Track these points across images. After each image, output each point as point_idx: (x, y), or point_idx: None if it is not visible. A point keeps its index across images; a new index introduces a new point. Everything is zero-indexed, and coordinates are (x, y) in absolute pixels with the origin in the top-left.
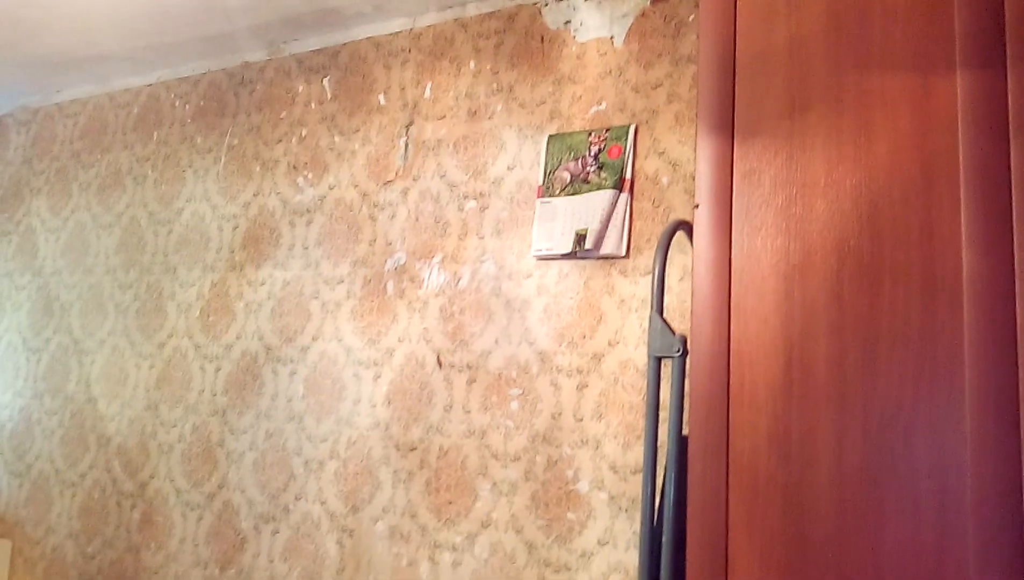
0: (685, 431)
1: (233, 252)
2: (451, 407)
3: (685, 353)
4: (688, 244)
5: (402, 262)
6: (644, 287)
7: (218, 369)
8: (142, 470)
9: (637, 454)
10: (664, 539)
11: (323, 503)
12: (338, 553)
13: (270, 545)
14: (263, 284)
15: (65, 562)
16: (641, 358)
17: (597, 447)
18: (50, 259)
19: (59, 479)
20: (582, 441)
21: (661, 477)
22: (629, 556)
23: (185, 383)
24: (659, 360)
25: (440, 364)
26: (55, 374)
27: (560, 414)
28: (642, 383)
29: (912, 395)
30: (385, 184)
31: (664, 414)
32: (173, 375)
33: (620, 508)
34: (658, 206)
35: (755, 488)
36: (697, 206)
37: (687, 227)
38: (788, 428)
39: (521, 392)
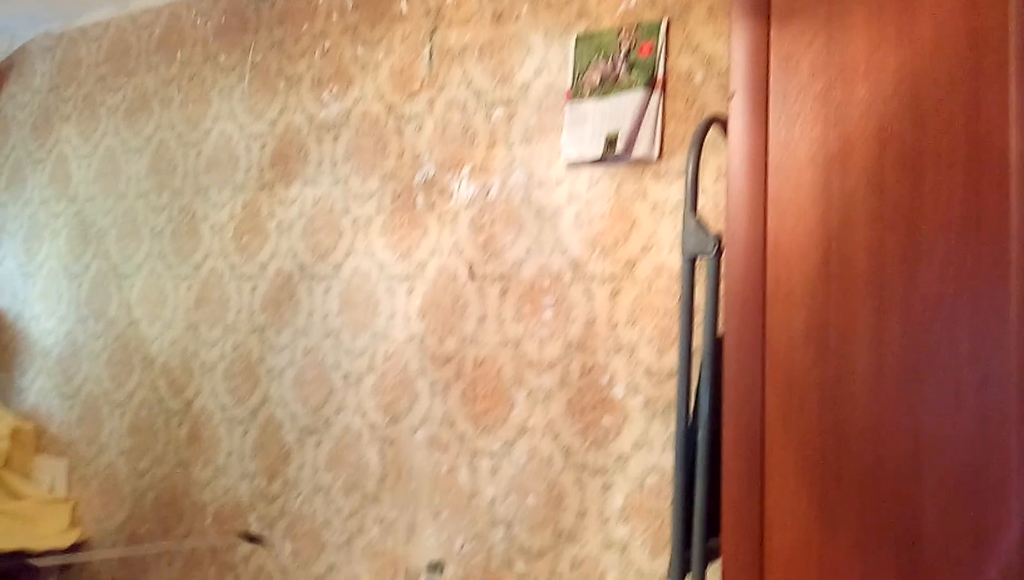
0: (720, 332)
1: (262, 171)
2: (485, 318)
3: (720, 251)
4: (723, 144)
5: (431, 175)
6: (678, 191)
7: (254, 288)
8: (187, 388)
9: (672, 359)
10: (699, 439)
11: (363, 415)
12: (379, 462)
13: (314, 457)
14: (293, 202)
15: (118, 478)
16: (675, 263)
17: (632, 353)
18: (83, 185)
19: (107, 399)
20: (616, 347)
21: (696, 379)
22: (665, 458)
23: (223, 303)
24: (693, 260)
25: (472, 276)
26: (96, 298)
27: (594, 321)
28: (676, 288)
29: (954, 283)
30: (410, 95)
31: (699, 317)
32: (211, 296)
33: (655, 412)
34: (691, 106)
35: (791, 384)
36: (732, 95)
37: (722, 123)
38: (826, 322)
39: (554, 301)
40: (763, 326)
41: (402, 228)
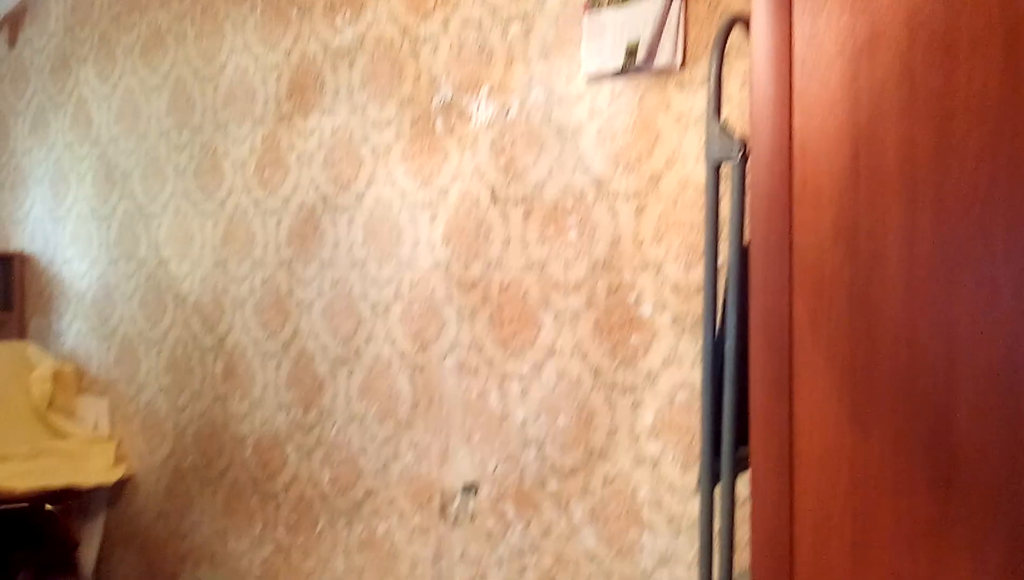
0: (746, 240)
1: (280, 103)
2: (509, 242)
3: (745, 156)
4: (748, 47)
5: (449, 98)
6: (702, 100)
7: (279, 222)
8: (219, 325)
9: (700, 274)
10: (727, 350)
11: (392, 343)
12: (411, 390)
13: (346, 386)
14: (312, 133)
15: (159, 415)
16: (701, 176)
17: (658, 270)
18: (105, 127)
19: (143, 339)
20: (643, 265)
21: (723, 291)
22: (694, 374)
23: (249, 239)
24: (718, 167)
25: (495, 199)
26: (125, 240)
27: (619, 240)
28: (702, 202)
29: (989, 174)
30: (424, 15)
31: (726, 230)
32: (237, 232)
33: (684, 328)
34: (714, 9)
35: (820, 286)
36: None
37: (745, 23)
38: (855, 221)
39: (578, 221)
40: (790, 229)
41: (422, 154)
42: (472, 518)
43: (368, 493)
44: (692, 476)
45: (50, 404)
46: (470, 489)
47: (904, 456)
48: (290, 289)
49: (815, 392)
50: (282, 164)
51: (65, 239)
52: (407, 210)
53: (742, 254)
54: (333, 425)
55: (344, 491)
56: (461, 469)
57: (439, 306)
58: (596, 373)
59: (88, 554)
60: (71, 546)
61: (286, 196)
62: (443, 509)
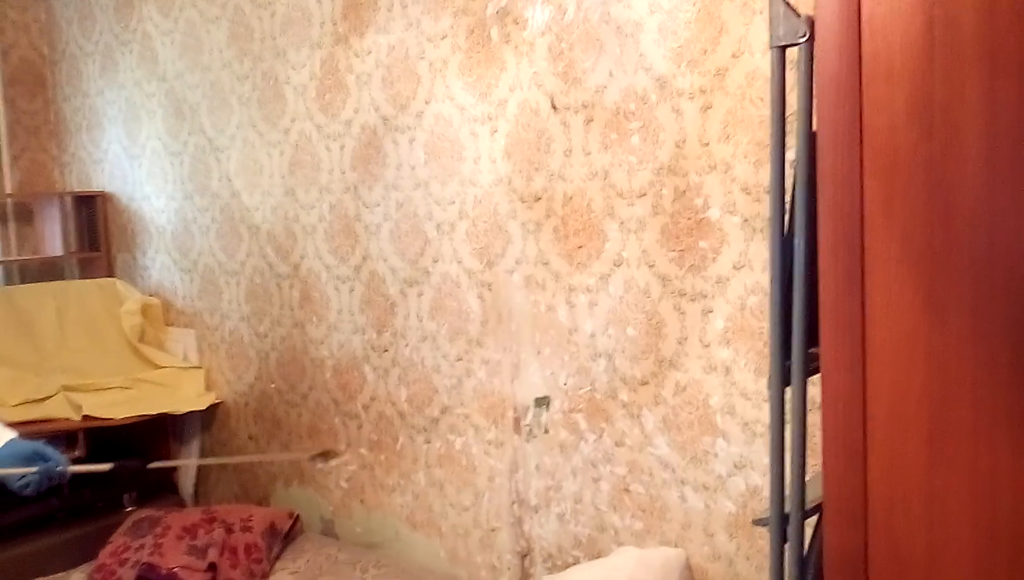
0: (815, 127)
1: (336, 24)
2: (571, 151)
3: (812, 37)
4: None
5: (503, 4)
6: None
7: (342, 147)
8: (292, 252)
9: (769, 172)
10: (796, 247)
11: (459, 262)
12: (480, 307)
13: (417, 306)
14: (369, 53)
15: (243, 343)
16: (769, 66)
17: (726, 170)
18: (170, 62)
19: (223, 270)
20: (710, 166)
21: (791, 186)
22: (766, 277)
23: (315, 165)
24: (783, 50)
25: (555, 108)
26: (198, 174)
27: (684, 141)
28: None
29: None
30: None
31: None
32: (302, 159)
33: (755, 230)
34: None
35: (894, 169)
36: None
37: None
38: (930, 97)
39: (641, 124)
40: (860, 111)
41: (479, 66)
42: (545, 430)
43: (444, 410)
44: (765, 382)
45: (141, 337)
46: (542, 402)
47: (983, 344)
48: (357, 213)
49: (888, 283)
50: (342, 87)
51: (142, 176)
52: (467, 125)
53: (811, 144)
54: (407, 345)
55: (421, 409)
56: (532, 383)
57: (503, 222)
58: (664, 281)
59: (186, 476)
60: (170, 469)
61: (348, 120)
62: (517, 423)
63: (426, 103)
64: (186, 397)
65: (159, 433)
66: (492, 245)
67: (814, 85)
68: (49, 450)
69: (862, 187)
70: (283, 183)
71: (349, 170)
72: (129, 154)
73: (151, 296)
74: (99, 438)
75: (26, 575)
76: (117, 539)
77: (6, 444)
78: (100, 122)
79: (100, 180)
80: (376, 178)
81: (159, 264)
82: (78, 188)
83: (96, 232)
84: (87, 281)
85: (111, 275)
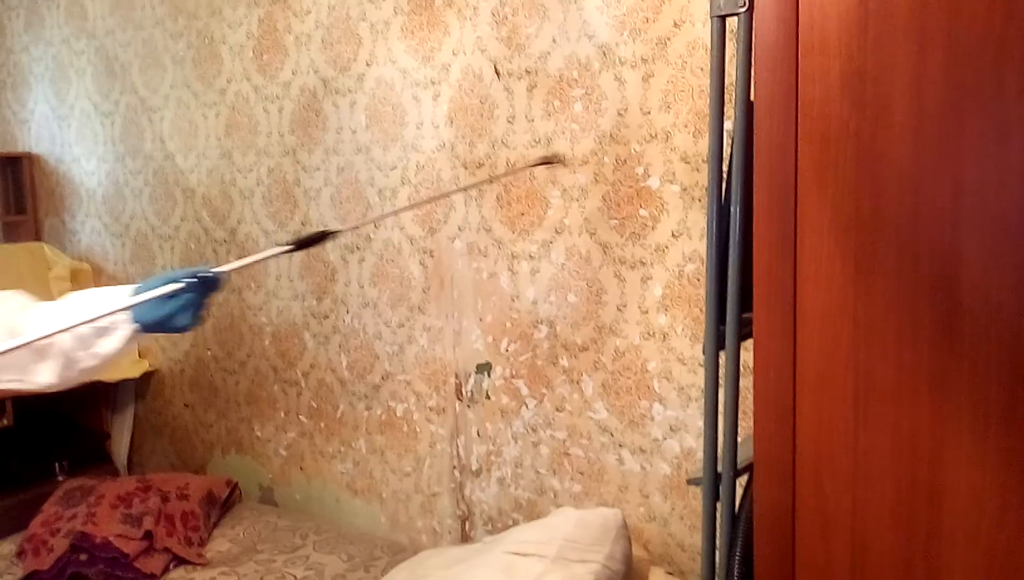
0: (753, 97)
1: None
2: (514, 118)
3: (751, 7)
4: None
5: None
6: None
7: (280, 109)
8: (229, 217)
9: (708, 142)
10: (732, 215)
11: (402, 228)
12: (421, 273)
13: (358, 273)
14: (308, 13)
15: None
16: (709, 35)
17: (667, 139)
18: (100, 19)
19: (156, 234)
20: (651, 135)
21: (729, 153)
22: (704, 245)
23: (252, 127)
24: (723, 20)
25: (498, 74)
26: (130, 135)
27: (626, 110)
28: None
29: (1003, 14)
30: None
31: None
32: (239, 120)
33: (693, 198)
34: None
35: (827, 139)
36: None
37: None
38: (863, 70)
39: (584, 92)
40: (796, 82)
41: (422, 29)
42: (487, 396)
43: (385, 376)
44: (700, 347)
45: None
46: (484, 369)
47: (908, 308)
48: (296, 178)
49: (819, 249)
50: (280, 47)
51: (71, 137)
52: (409, 89)
53: (748, 113)
54: (347, 312)
55: (362, 375)
56: (474, 350)
57: (446, 188)
58: (605, 249)
59: (120, 444)
60: (103, 438)
61: (286, 81)
62: (459, 389)
63: (367, 65)
64: (118, 365)
65: (91, 401)
66: (434, 211)
67: (752, 55)
68: (188, 269)
69: (796, 156)
70: (219, 145)
71: (288, 133)
72: (57, 114)
73: (81, 261)
74: (27, 407)
75: None
76: (48, 508)
77: (138, 286)
78: (26, 80)
79: (26, 141)
80: (316, 142)
81: (89, 228)
82: (3, 149)
83: (22, 195)
84: (14, 245)
85: (38, 239)
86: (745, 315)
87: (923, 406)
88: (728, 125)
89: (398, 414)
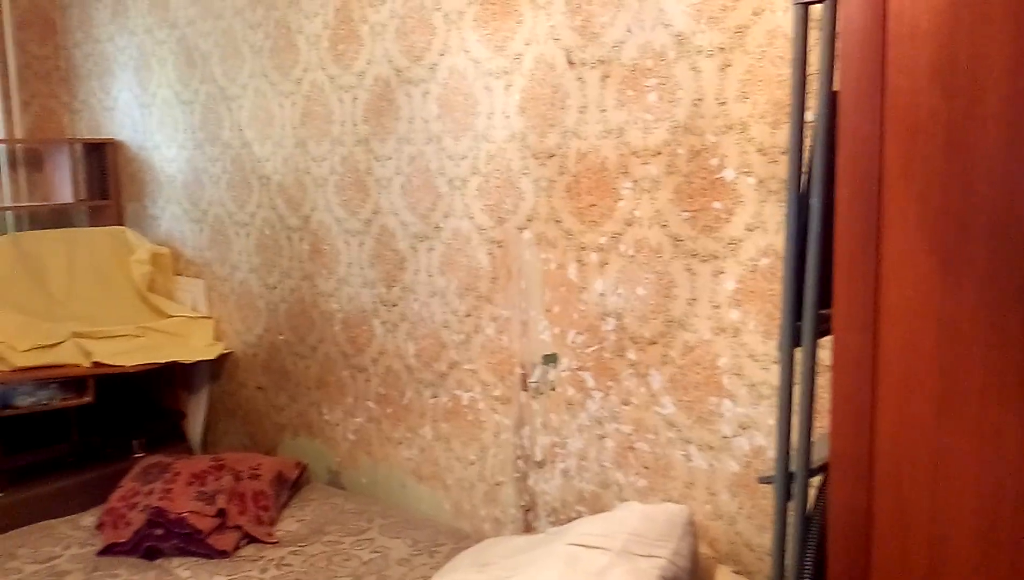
0: (836, 86)
1: None
2: (586, 108)
3: None
4: None
5: None
6: None
7: (355, 98)
8: (303, 205)
9: (787, 133)
10: (812, 207)
11: (471, 218)
12: (490, 263)
13: (427, 262)
14: (383, 2)
15: (252, 294)
16: (790, 25)
17: (743, 130)
18: (181, 9)
19: (233, 221)
20: (727, 126)
21: (810, 147)
22: (780, 239)
23: (326, 116)
24: (806, 7)
25: (571, 63)
26: (209, 123)
27: (701, 100)
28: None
29: None
30: None
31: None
32: (314, 110)
33: (770, 191)
34: None
35: (915, 130)
36: None
37: None
38: (954, 58)
39: (658, 82)
40: (883, 71)
41: (495, 19)
42: (552, 388)
43: (452, 365)
44: (774, 344)
45: (150, 286)
46: (550, 360)
47: (997, 307)
48: (369, 167)
49: (904, 244)
50: (355, 37)
51: (153, 125)
52: (481, 79)
53: (831, 103)
54: (416, 300)
55: (429, 364)
56: (541, 340)
57: (516, 178)
58: (676, 242)
59: (195, 424)
60: (179, 417)
61: (360, 71)
62: (524, 380)
63: (440, 55)
64: (195, 347)
65: (168, 382)
66: (504, 201)
67: (837, 43)
68: None
69: (882, 147)
70: (294, 134)
71: (361, 122)
72: (140, 102)
73: (161, 246)
74: (108, 385)
75: (39, 516)
76: (127, 483)
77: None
78: (111, 69)
79: (110, 128)
80: (388, 131)
81: (169, 214)
82: (88, 135)
83: (106, 180)
84: (97, 229)
85: (120, 224)
86: (823, 311)
87: (1010, 407)
88: (809, 116)
89: (464, 403)
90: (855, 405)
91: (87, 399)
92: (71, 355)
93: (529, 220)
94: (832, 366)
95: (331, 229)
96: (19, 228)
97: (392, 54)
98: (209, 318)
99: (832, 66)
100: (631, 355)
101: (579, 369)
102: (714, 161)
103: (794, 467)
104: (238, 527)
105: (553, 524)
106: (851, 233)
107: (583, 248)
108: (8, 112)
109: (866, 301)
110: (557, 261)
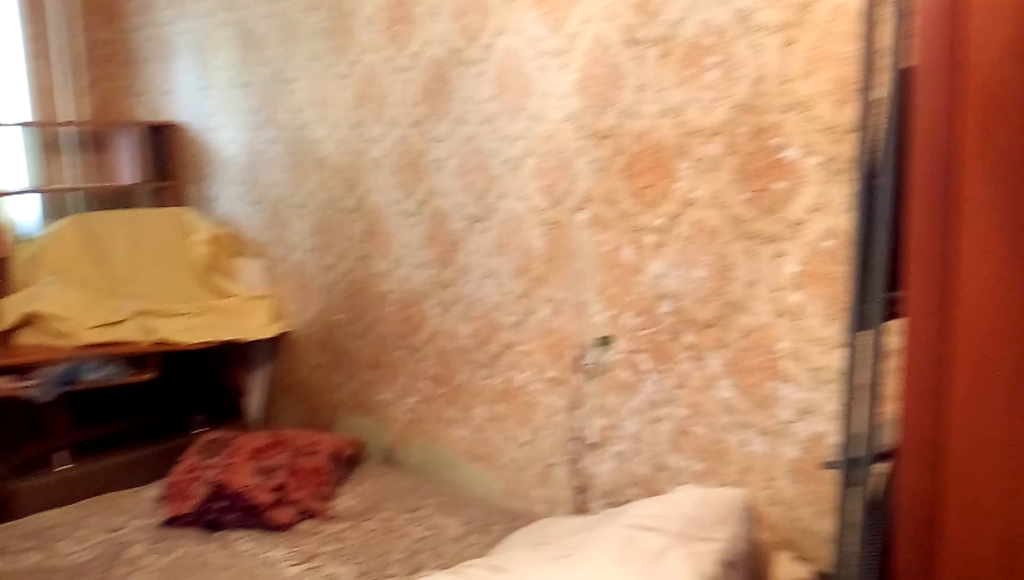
0: (908, 63)
1: None
2: (643, 87)
3: None
4: None
5: None
6: None
7: (410, 80)
8: (358, 186)
9: (852, 111)
10: (880, 186)
11: (525, 199)
12: (545, 245)
13: (481, 243)
14: None
15: (308, 274)
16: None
17: (807, 109)
18: None
19: (290, 203)
20: (789, 105)
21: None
22: (844, 220)
23: (382, 99)
24: None
25: (629, 42)
26: (267, 106)
27: (763, 78)
28: (857, 29)
29: None
30: None
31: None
32: (370, 92)
33: (834, 171)
34: None
35: (992, 105)
36: None
37: None
38: None
39: (719, 60)
40: (960, 46)
41: None
42: (606, 370)
43: (505, 346)
44: (837, 328)
45: (210, 266)
46: (604, 342)
47: None
48: (423, 148)
49: (979, 225)
50: (410, 18)
51: (211, 108)
52: (537, 59)
53: (902, 80)
54: (470, 281)
55: (482, 345)
56: (595, 323)
57: (571, 159)
58: (735, 223)
59: (254, 401)
60: (238, 394)
61: (416, 52)
62: (578, 361)
63: (496, 35)
64: (254, 326)
65: (228, 360)
66: (559, 183)
67: (910, 18)
68: None
69: (957, 125)
70: (350, 117)
71: (416, 104)
72: (199, 85)
73: (221, 226)
74: (170, 362)
75: (105, 488)
76: (189, 458)
77: None
78: (171, 52)
79: (171, 110)
80: (443, 113)
81: (227, 195)
82: (150, 118)
83: (167, 162)
84: (159, 210)
85: (181, 205)
86: (890, 294)
87: None
88: (877, 94)
89: (517, 384)
90: (926, 390)
91: (150, 375)
92: (135, 332)
93: (585, 201)
94: (903, 350)
95: (385, 211)
96: (85, 209)
97: (447, 35)
98: (267, 298)
99: (904, 41)
100: (687, 338)
101: (634, 351)
102: (776, 141)
103: (859, 452)
104: (296, 502)
105: (606, 506)
106: (924, 213)
107: (639, 230)
108: (74, 96)
109: (939, 284)
110: (612, 243)
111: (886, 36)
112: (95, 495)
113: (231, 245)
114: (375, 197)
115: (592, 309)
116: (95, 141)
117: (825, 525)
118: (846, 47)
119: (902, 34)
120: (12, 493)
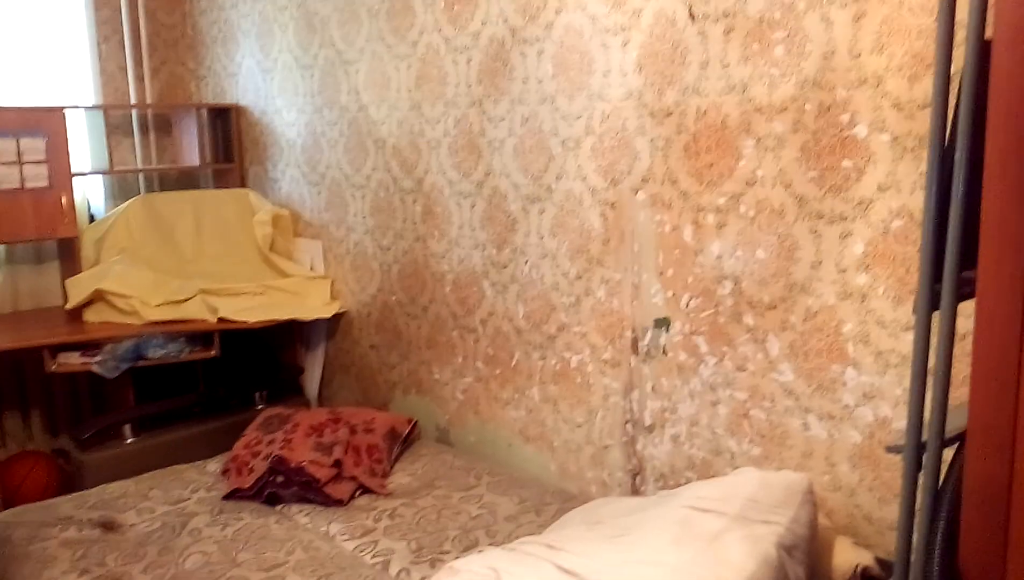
0: (988, 34)
1: None
2: (707, 64)
3: None
4: None
5: None
6: None
7: (469, 60)
8: (416, 167)
9: (927, 87)
10: (956, 161)
11: (583, 179)
12: (602, 225)
13: (539, 224)
14: None
15: (366, 255)
16: None
17: (878, 84)
18: None
19: (349, 184)
20: (859, 80)
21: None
22: (914, 199)
23: (441, 79)
24: None
25: (692, 17)
26: (328, 87)
27: (833, 53)
28: (933, 1)
29: None
30: None
31: (960, 33)
32: (429, 72)
33: (905, 149)
34: None
35: None
36: None
37: None
38: None
39: (786, 34)
40: None
41: None
42: (664, 352)
43: (561, 327)
44: (905, 310)
45: (271, 246)
46: (662, 323)
47: None
48: (482, 128)
49: None
50: None
51: (274, 90)
52: (598, 36)
53: (982, 52)
54: (526, 262)
55: (538, 325)
56: (653, 304)
57: (631, 138)
58: (801, 202)
59: (312, 379)
60: (297, 372)
61: (475, 31)
62: (635, 343)
63: (556, 13)
64: (313, 305)
65: (288, 338)
66: (618, 162)
67: None
68: None
69: None
70: (409, 97)
71: (475, 84)
72: (262, 67)
73: (281, 207)
74: (232, 340)
75: (169, 461)
76: (250, 433)
77: None
78: (234, 35)
79: (234, 93)
80: (502, 92)
81: (289, 176)
82: (213, 100)
83: (230, 144)
84: (222, 191)
85: (244, 186)
86: (964, 274)
87: None
88: (953, 68)
89: (572, 365)
90: (999, 373)
91: (213, 353)
92: (198, 311)
93: (644, 181)
94: (975, 331)
95: (443, 191)
96: (150, 189)
97: (507, 13)
98: (326, 278)
99: (984, 11)
100: (748, 320)
101: (692, 333)
102: (845, 117)
103: (926, 437)
104: (353, 478)
105: (661, 489)
106: (1002, 191)
107: (700, 209)
108: (140, 79)
109: (1015, 263)
110: (672, 223)
111: (963, 7)
112: (159, 468)
113: (291, 226)
114: (433, 178)
115: (650, 290)
116: (160, 123)
117: (887, 512)
118: (919, 20)
119: (981, 5)
120: (80, 465)
